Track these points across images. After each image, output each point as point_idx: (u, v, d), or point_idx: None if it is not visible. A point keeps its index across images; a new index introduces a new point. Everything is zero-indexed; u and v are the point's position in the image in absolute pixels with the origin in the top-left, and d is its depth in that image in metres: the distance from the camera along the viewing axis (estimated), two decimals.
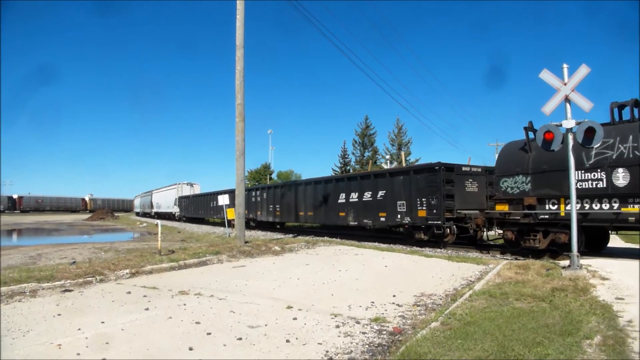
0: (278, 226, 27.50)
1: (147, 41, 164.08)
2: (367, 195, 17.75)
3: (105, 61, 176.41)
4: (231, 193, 23.58)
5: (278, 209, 24.90)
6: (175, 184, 46.99)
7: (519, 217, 11.98)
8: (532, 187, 11.69)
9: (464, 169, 15.17)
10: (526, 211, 11.71)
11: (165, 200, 50.40)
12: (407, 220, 15.75)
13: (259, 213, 27.11)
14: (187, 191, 45.48)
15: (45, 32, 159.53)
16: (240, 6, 14.61)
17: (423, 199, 14.99)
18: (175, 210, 45.66)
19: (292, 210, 23.37)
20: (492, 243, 15.44)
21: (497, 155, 12.06)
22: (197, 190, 45.86)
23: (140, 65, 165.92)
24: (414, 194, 15.41)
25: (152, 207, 57.71)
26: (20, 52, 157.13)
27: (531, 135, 11.59)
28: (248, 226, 26.57)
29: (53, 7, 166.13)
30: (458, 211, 14.39)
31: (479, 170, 15.62)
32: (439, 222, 14.20)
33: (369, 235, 19.34)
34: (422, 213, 15.07)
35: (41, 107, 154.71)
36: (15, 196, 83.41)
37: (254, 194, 27.87)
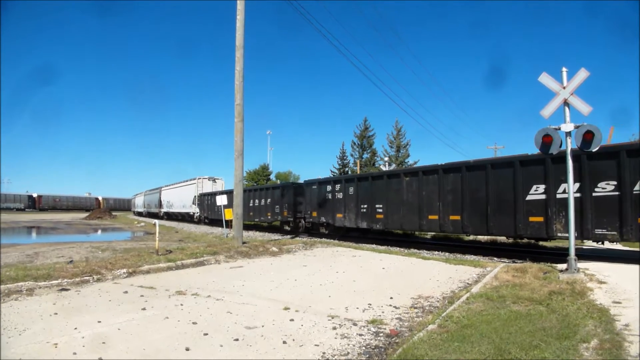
0: (367, 234, 19.79)
1: (147, 40, 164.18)
2: (607, 187, 10.65)
3: (106, 60, 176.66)
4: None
5: (380, 210, 17.05)
6: (194, 179, 38.98)
7: None
8: None
9: None
10: None
11: (180, 198, 42.35)
12: None
13: (339, 216, 19.44)
14: (208, 187, 37.69)
15: (45, 31, 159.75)
16: (240, 6, 14.63)
17: None
18: (194, 210, 37.74)
19: (412, 212, 15.60)
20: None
21: None
22: (221, 186, 37.96)
23: (140, 65, 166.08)
24: None
25: (160, 206, 50.20)
26: (20, 52, 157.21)
27: None
28: (318, 233, 21.46)
29: (53, 7, 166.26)
30: None
31: None
32: None
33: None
34: None
35: (42, 106, 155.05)
36: (35, 195, 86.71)
37: (328, 188, 20.27)
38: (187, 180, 41.57)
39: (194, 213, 37.79)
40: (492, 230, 13.25)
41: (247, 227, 28.75)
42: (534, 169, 12.11)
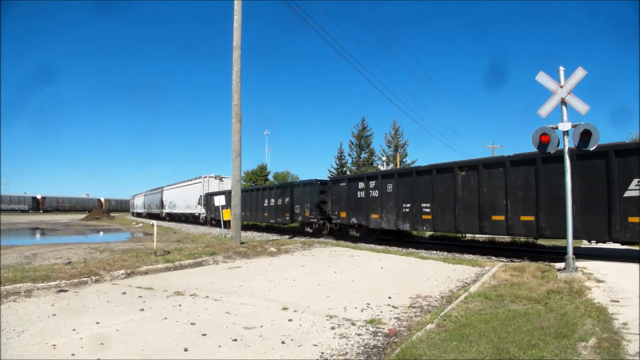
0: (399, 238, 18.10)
1: (147, 41, 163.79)
2: None
3: (105, 61, 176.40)
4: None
5: (427, 210, 14.92)
6: (200, 178, 37.02)
7: None
8: None
9: None
10: None
11: (184, 198, 40.30)
12: None
13: (374, 216, 17.38)
14: (214, 187, 35.95)
15: (45, 32, 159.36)
16: (237, 7, 14.61)
17: None
18: (200, 210, 35.72)
19: (470, 212, 13.54)
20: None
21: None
22: (229, 185, 32.85)
23: (140, 65, 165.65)
24: None
25: (162, 207, 48.35)
26: (20, 52, 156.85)
27: None
28: (347, 236, 19.41)
29: (53, 7, 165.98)
30: None
31: None
32: None
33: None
34: None
35: (41, 106, 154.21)
36: (38, 196, 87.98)
37: (361, 185, 18.18)
38: (191, 179, 39.63)
39: (199, 214, 35.91)
40: (577, 233, 11.00)
41: (245, 228, 28.11)
42: (635, 159, 10.22)
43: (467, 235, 18.45)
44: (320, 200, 20.90)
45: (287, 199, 23.82)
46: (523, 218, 12.22)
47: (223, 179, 37.01)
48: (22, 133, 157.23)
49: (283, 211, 24.12)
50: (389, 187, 16.80)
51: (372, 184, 17.66)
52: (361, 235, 18.64)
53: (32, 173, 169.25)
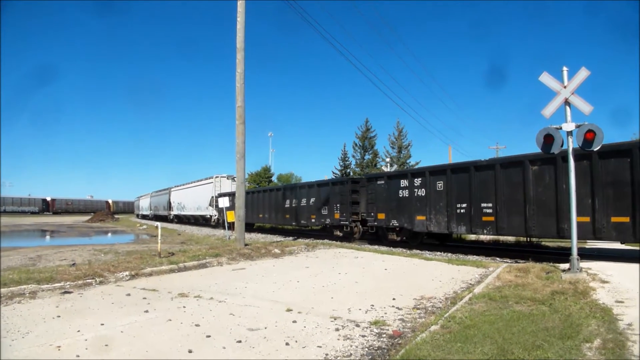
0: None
1: (148, 41, 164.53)
2: None
3: (106, 61, 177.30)
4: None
5: (489, 211, 13.03)
6: (211, 178, 34.99)
7: None
8: None
9: None
10: None
11: (194, 199, 38.44)
12: None
13: (420, 218, 15.45)
14: (227, 187, 33.37)
15: (45, 32, 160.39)
16: (240, 8, 14.65)
17: None
18: (211, 212, 33.85)
19: (545, 212, 11.64)
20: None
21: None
22: None
23: (140, 65, 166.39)
24: None
25: (170, 208, 46.81)
26: (20, 52, 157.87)
27: None
28: (385, 240, 17.32)
29: (53, 7, 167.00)
30: None
31: None
32: None
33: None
34: None
35: (41, 107, 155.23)
36: (48, 199, 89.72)
37: (403, 183, 16.17)
38: (202, 179, 37.79)
39: (210, 216, 34.11)
40: None
41: (249, 229, 26.84)
42: None
43: (471, 236, 18.30)
44: (352, 200, 18.89)
45: (312, 200, 21.78)
46: (615, 219, 10.40)
47: (235, 179, 35.31)
48: (22, 133, 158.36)
49: (308, 212, 21.98)
50: (439, 185, 14.82)
51: (417, 181, 15.67)
52: (401, 239, 16.77)
53: (33, 174, 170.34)
